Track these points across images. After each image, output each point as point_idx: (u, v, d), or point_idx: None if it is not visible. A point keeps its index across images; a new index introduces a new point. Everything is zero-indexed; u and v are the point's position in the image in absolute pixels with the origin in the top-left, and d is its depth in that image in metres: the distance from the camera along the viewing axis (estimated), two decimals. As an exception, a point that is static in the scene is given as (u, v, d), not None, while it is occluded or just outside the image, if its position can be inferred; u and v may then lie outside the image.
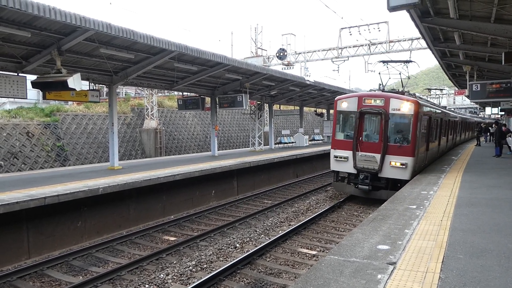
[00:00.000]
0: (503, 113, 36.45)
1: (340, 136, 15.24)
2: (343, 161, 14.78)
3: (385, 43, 31.58)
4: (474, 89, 17.71)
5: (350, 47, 33.67)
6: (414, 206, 8.77)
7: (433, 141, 17.58)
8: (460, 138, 33.69)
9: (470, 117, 47.22)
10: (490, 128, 32.29)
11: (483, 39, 14.60)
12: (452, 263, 5.25)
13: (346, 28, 32.66)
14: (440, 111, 19.64)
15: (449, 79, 29.07)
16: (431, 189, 10.91)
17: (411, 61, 17.29)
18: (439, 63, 21.77)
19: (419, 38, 28.64)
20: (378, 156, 13.93)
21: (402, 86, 17.20)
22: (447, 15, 11.67)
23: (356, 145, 14.32)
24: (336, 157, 15.01)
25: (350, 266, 5.19)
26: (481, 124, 36.21)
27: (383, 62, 17.65)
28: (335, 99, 15.29)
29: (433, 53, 18.37)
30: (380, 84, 16.88)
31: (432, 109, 17.13)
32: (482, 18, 12.09)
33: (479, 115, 65.33)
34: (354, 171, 14.53)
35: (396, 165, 13.64)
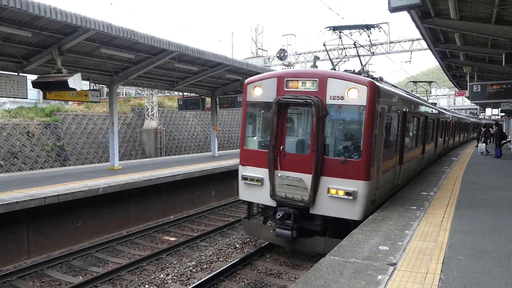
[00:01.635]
0: (503, 114, 36.44)
1: (252, 144, 9.55)
2: (256, 186, 9.06)
3: (385, 43, 31.57)
4: (474, 90, 17.70)
5: (350, 47, 33.60)
6: (414, 207, 8.77)
7: (411, 150, 12.31)
8: (454, 141, 28.39)
9: (466, 117, 42.16)
10: (490, 129, 32.25)
11: (483, 40, 14.59)
12: (452, 264, 5.25)
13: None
14: (419, 106, 13.90)
15: (450, 80, 29.05)
16: (431, 190, 10.90)
17: (374, 26, 10.14)
18: (440, 64, 21.76)
19: (419, 39, 28.63)
20: (308, 179, 8.30)
21: (361, 65, 10.97)
22: (447, 16, 11.66)
23: (274, 160, 8.66)
24: (245, 178, 9.22)
25: (350, 267, 5.19)
26: (481, 126, 36.15)
27: (333, 29, 10.35)
28: (245, 82, 9.51)
29: (433, 54, 18.36)
30: (315, 57, 10.54)
31: (407, 102, 11.42)
32: (482, 19, 12.08)
33: (479, 116, 65.30)
34: (272, 203, 8.85)
35: (337, 195, 8.05)
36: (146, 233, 12.32)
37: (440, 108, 23.57)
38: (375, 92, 8.02)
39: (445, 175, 13.88)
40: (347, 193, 7.93)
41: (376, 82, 8.23)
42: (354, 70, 9.54)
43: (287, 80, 8.75)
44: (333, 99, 8.23)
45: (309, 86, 8.48)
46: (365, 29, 10.05)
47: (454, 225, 7.23)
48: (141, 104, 35.03)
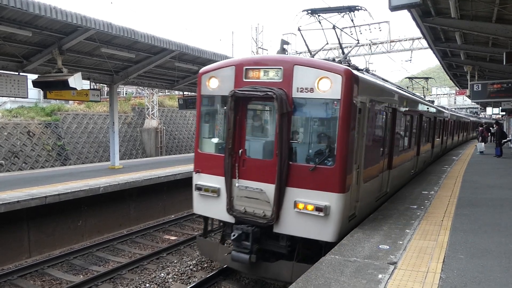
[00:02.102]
0: (504, 113, 36.44)
1: (208, 146, 8.09)
2: (211, 198, 7.57)
3: (386, 42, 31.55)
4: (475, 89, 17.70)
5: (351, 46, 33.57)
6: (415, 206, 8.77)
7: (402, 152, 10.81)
8: (452, 142, 27.06)
9: (465, 116, 40.36)
10: (491, 128, 32.24)
11: (484, 39, 14.58)
12: (453, 263, 5.25)
13: (347, 27, 32.60)
14: (413, 102, 12.24)
15: (450, 79, 29.05)
16: (431, 189, 10.89)
17: (357, 8, 8.55)
18: (440, 63, 21.75)
19: (420, 38, 28.60)
20: (271, 190, 6.84)
21: (343, 53, 9.77)
22: (448, 15, 11.65)
23: (232, 166, 7.23)
24: (199, 188, 7.73)
25: (351, 265, 5.19)
26: (483, 125, 36.06)
27: (311, 12, 8.64)
28: (199, 72, 8.02)
29: (434, 53, 18.35)
30: (282, 41, 8.58)
31: (397, 98, 9.84)
32: (483, 18, 12.07)
33: (479, 115, 65.27)
34: (230, 219, 7.36)
35: (306, 210, 6.58)
36: (147, 232, 12.33)
37: (438, 106, 22.07)
38: (353, 83, 6.50)
39: (446, 174, 13.87)
40: (318, 209, 6.41)
41: (354, 71, 6.72)
42: (334, 59, 7.91)
43: (246, 69, 7.18)
44: (301, 91, 6.67)
45: (273, 76, 6.93)
46: (347, 12, 8.52)
47: (455, 224, 7.22)
48: (142, 103, 35.05)
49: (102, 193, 11.70)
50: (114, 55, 13.63)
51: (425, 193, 10.39)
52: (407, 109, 10.95)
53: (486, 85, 17.54)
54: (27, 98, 13.26)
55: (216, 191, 7.46)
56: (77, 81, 11.42)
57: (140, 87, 35.30)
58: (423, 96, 19.18)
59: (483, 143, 23.47)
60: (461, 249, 5.84)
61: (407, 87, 18.84)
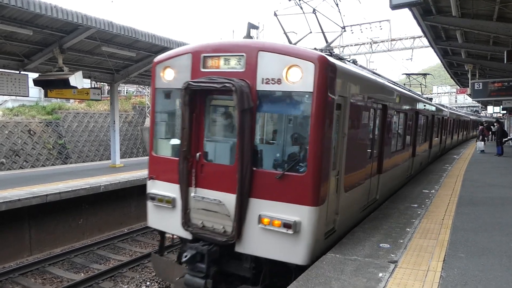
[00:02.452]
0: (505, 111, 36.40)
1: (164, 149, 6.97)
2: (166, 209, 6.52)
3: (387, 41, 31.51)
4: (476, 88, 17.70)
5: (352, 45, 33.62)
6: (416, 205, 8.77)
7: (395, 154, 9.88)
8: (452, 141, 26.00)
9: (465, 114, 39.38)
10: (492, 127, 32.22)
11: (485, 38, 14.56)
12: (453, 262, 5.26)
13: (348, 26, 32.59)
14: (408, 98, 11.10)
15: (451, 77, 29.01)
16: (432, 188, 10.89)
17: None
18: (441, 62, 21.73)
19: (421, 36, 28.56)
20: (231, 201, 5.81)
21: (326, 42, 7.85)
22: (449, 13, 11.64)
23: (188, 173, 6.20)
24: (153, 198, 6.68)
25: (352, 264, 5.19)
26: (483, 123, 36.05)
27: None
28: (154, 61, 6.92)
29: (435, 52, 18.33)
30: (249, 24, 7.30)
31: (389, 93, 8.89)
32: (484, 16, 12.05)
33: (480, 114, 65.21)
34: (187, 234, 6.30)
35: (273, 226, 5.56)
36: (148, 230, 12.35)
37: (437, 104, 21.12)
38: (329, 72, 5.46)
39: (447, 173, 13.86)
40: (286, 225, 5.36)
41: (330, 59, 5.66)
42: (315, 48, 6.60)
43: (204, 56, 6.08)
44: (267, 83, 5.60)
45: (234, 64, 5.86)
46: None
47: (456, 223, 7.22)
48: (142, 102, 35.05)
49: (103, 191, 11.72)
50: (115, 54, 13.62)
51: (426, 191, 10.39)
52: (400, 106, 10.05)
53: (487, 84, 17.54)
54: (28, 96, 13.27)
55: (171, 202, 6.35)
56: (77, 80, 11.43)
57: (141, 86, 35.31)
58: (420, 93, 18.39)
59: (483, 142, 23.46)
60: (462, 247, 5.84)
61: (404, 84, 18.17)
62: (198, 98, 6.14)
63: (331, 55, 6.38)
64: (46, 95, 14.32)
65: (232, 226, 5.77)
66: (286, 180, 5.49)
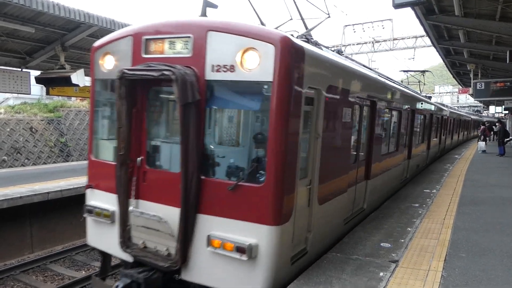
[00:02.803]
0: (507, 111, 36.33)
1: (105, 151, 5.94)
2: (105, 224, 5.52)
3: (389, 40, 31.46)
4: (478, 88, 17.66)
5: (354, 44, 33.58)
6: (417, 204, 8.76)
7: (386, 157, 8.98)
8: (452, 141, 24.99)
9: (466, 114, 38.02)
10: (493, 127, 32.17)
11: (488, 37, 14.53)
12: (454, 262, 5.25)
13: (350, 25, 32.56)
14: (403, 95, 10.07)
15: (453, 77, 28.98)
16: (433, 188, 10.87)
17: None
18: (444, 61, 21.70)
19: (423, 36, 28.51)
20: (175, 217, 4.71)
21: (305, 28, 6.59)
22: (452, 12, 11.63)
23: (126, 181, 5.16)
24: (90, 211, 5.67)
25: (352, 263, 5.19)
26: (485, 123, 35.96)
27: None
28: (93, 45, 5.85)
29: (437, 51, 18.31)
30: (205, 3, 5.46)
31: (377, 88, 7.87)
32: (487, 16, 12.02)
33: (482, 114, 65.11)
34: (127, 256, 5.26)
35: (224, 250, 4.49)
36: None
37: (437, 103, 20.07)
38: (294, 58, 4.46)
39: (448, 173, 13.84)
40: (239, 249, 4.33)
41: (297, 41, 4.68)
42: (292, 35, 5.16)
43: (147, 40, 5.06)
44: (218, 70, 4.56)
45: (181, 48, 4.83)
46: None
47: (457, 222, 7.21)
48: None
49: (104, 189, 11.73)
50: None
51: (427, 191, 10.38)
52: (393, 103, 9.10)
53: (489, 84, 17.50)
54: (29, 94, 13.32)
55: (110, 216, 5.30)
56: (79, 78, 11.46)
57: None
58: (419, 91, 17.52)
59: (484, 142, 23.42)
60: (463, 247, 5.83)
61: (402, 81, 17.40)
62: (138, 91, 5.09)
63: (308, 41, 5.48)
64: (48, 93, 14.40)
65: (176, 247, 4.66)
66: (241, 192, 4.45)
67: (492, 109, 40.04)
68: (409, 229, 6.84)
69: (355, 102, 6.49)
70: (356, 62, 8.23)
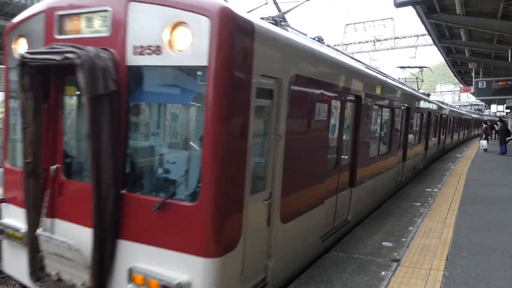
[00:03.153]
0: (508, 110, 36.28)
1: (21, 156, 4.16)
2: (18, 247, 4.36)
3: (390, 39, 31.44)
4: (479, 86, 17.66)
5: (355, 43, 33.59)
6: (418, 204, 8.75)
7: (375, 161, 7.93)
8: (452, 141, 24.19)
9: (467, 113, 37.09)
10: (495, 126, 32.14)
11: (489, 36, 14.52)
12: (456, 261, 5.25)
13: (351, 24, 32.57)
14: (396, 91, 9.29)
15: (455, 76, 28.99)
16: (435, 187, 10.86)
17: None
18: (445, 60, 21.70)
19: (424, 35, 28.49)
20: (87, 238, 3.65)
21: (278, 10, 5.73)
22: (453, 11, 11.62)
23: (37, 195, 4.04)
24: (1, 231, 4.50)
25: (354, 262, 5.19)
26: (487, 122, 35.89)
27: None
28: (6, 27, 4.72)
29: (439, 50, 18.30)
30: None
31: (362, 79, 6.77)
32: (488, 15, 12.01)
33: (483, 112, 65.04)
34: None
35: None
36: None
37: (436, 101, 19.09)
38: (238, 35, 3.45)
39: (449, 172, 13.83)
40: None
41: (242, 14, 3.57)
42: (262, 18, 4.75)
43: (60, 16, 4.03)
44: (141, 52, 3.58)
45: (99, 26, 3.83)
46: None
47: (458, 222, 7.21)
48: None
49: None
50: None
51: (429, 190, 10.37)
52: (384, 100, 8.15)
53: (490, 82, 17.49)
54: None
55: (22, 238, 4.26)
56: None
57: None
58: (416, 88, 16.69)
59: (485, 140, 23.40)
60: (465, 246, 5.83)
61: (399, 78, 17.22)
62: (51, 81, 4.05)
63: (276, 23, 4.69)
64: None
65: (90, 280, 3.72)
66: (170, 212, 3.44)
67: (493, 108, 39.96)
68: (411, 228, 6.83)
69: (334, 96, 5.48)
70: (342, 52, 7.41)
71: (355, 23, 32.33)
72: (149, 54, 3.52)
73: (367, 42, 32.81)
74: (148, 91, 3.89)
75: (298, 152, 4.62)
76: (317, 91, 4.97)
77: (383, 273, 4.86)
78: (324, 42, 6.42)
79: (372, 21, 31.68)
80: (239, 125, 3.52)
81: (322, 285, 4.51)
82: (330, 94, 5.34)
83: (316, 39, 6.18)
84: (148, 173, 4.05)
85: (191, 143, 3.93)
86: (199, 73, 3.49)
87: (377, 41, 32.18)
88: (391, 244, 5.95)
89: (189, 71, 3.60)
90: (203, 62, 3.28)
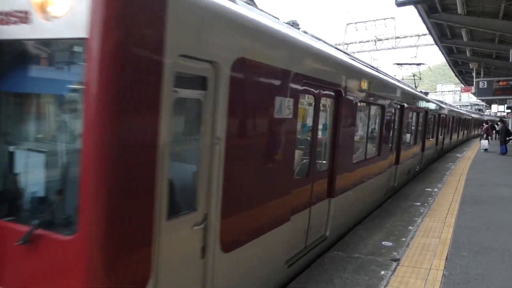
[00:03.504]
0: (509, 110, 36.24)
1: None
2: None
3: (391, 39, 31.43)
4: (480, 86, 17.64)
5: (356, 42, 33.56)
6: (418, 203, 8.75)
7: (363, 164, 7.20)
8: (451, 141, 23.59)
9: (466, 113, 36.47)
10: (495, 126, 32.12)
11: (490, 36, 14.51)
12: (456, 260, 5.25)
13: (352, 23, 32.55)
14: (387, 87, 8.62)
15: (456, 76, 28.97)
16: (435, 187, 10.86)
17: None
18: (446, 60, 21.69)
19: (425, 34, 28.46)
20: None
21: None
22: (455, 11, 11.61)
23: None
24: None
25: (354, 262, 5.19)
26: (487, 122, 35.81)
27: None
28: None
29: (440, 50, 18.29)
30: None
31: (344, 71, 5.88)
32: (490, 14, 12.00)
33: (484, 112, 64.99)
34: None
35: None
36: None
37: (434, 100, 18.28)
38: None
39: (449, 172, 13.82)
40: None
41: None
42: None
43: None
44: (4, 21, 2.56)
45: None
46: None
47: (458, 221, 7.20)
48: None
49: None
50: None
51: (429, 190, 10.36)
52: (372, 96, 7.31)
53: (491, 82, 17.48)
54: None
55: None
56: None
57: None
58: (414, 86, 15.90)
59: (486, 140, 23.39)
60: (464, 246, 5.82)
61: (395, 75, 15.61)
62: None
63: None
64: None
65: None
66: (42, 248, 2.48)
67: (494, 107, 39.92)
68: (411, 227, 6.83)
69: (303, 90, 4.54)
70: (325, 42, 6.36)
71: (356, 23, 32.34)
72: (14, 22, 2.53)
73: (368, 41, 32.80)
74: (13, 76, 2.77)
75: (246, 159, 3.63)
76: (277, 82, 3.96)
77: (382, 272, 4.86)
78: (299, 28, 5.48)
79: (373, 20, 31.70)
80: (141, 125, 2.49)
81: (322, 285, 4.51)
82: (298, 87, 4.34)
83: (291, 23, 5.25)
84: (17, 190, 2.83)
85: (62, 149, 2.77)
86: (77, 48, 2.50)
87: (378, 40, 32.17)
88: (391, 244, 5.95)
89: (64, 47, 2.61)
90: (82, 33, 2.27)
